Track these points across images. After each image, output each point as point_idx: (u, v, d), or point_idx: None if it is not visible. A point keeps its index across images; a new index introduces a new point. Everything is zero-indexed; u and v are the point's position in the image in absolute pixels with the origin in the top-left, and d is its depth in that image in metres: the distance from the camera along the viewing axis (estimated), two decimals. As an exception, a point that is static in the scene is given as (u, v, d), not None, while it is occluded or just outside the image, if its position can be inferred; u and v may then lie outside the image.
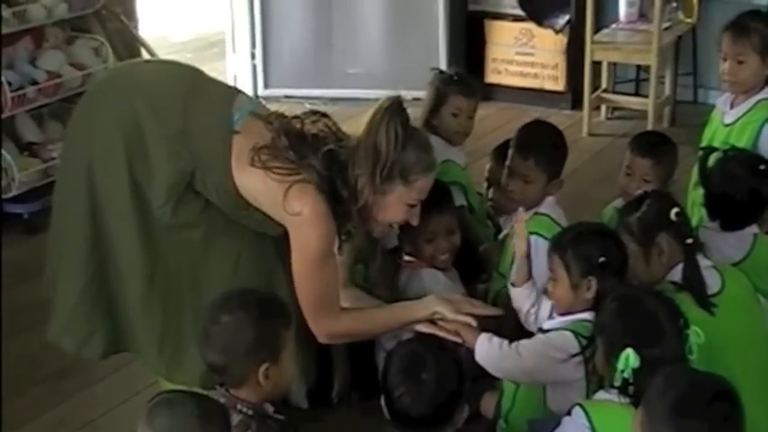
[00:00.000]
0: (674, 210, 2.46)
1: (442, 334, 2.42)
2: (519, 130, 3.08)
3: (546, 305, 2.54)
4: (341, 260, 2.53)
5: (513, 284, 2.59)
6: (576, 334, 2.34)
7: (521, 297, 2.57)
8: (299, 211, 2.33)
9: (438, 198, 2.70)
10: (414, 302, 2.54)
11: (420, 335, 2.44)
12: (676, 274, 2.45)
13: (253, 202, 2.41)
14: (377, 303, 2.64)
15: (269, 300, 2.18)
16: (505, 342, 2.37)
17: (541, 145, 2.96)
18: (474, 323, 2.42)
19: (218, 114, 2.44)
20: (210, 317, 2.13)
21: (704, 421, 1.72)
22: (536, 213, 2.91)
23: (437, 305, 2.47)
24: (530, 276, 2.56)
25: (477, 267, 3.21)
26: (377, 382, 2.16)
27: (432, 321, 2.48)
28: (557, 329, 2.38)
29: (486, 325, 2.47)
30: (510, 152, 2.98)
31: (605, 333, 2.11)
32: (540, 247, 2.74)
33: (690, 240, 2.45)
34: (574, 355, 2.31)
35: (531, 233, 2.78)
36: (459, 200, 3.27)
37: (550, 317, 2.49)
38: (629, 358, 2.01)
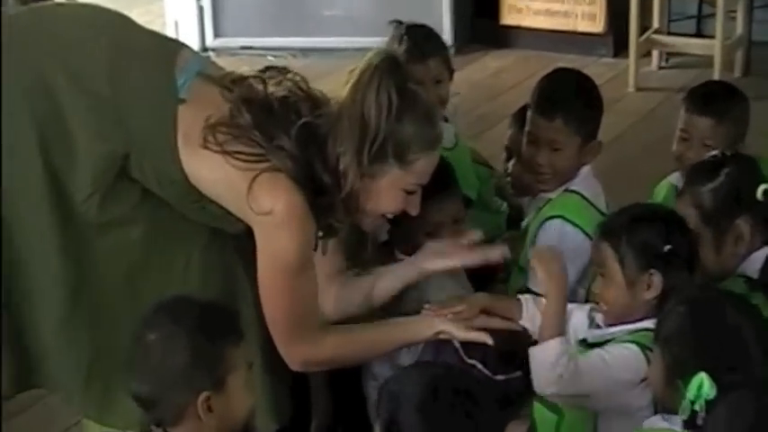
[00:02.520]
0: (764, 186, 2.49)
1: (465, 335, 2.48)
2: (539, 83, 3.10)
3: (579, 313, 2.57)
4: (332, 251, 2.58)
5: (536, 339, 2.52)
6: (643, 347, 2.37)
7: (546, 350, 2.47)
8: (268, 210, 2.35)
9: (439, 179, 2.70)
10: (413, 319, 2.57)
11: (436, 345, 2.49)
12: (750, 265, 2.50)
13: (208, 194, 2.42)
14: (361, 322, 2.67)
15: (210, 308, 2.18)
16: (571, 366, 2.39)
17: (569, 99, 2.98)
18: (490, 341, 2.46)
19: (157, 77, 2.45)
20: (136, 335, 2.14)
21: None
22: (565, 190, 2.95)
23: (442, 323, 2.51)
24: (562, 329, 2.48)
25: (490, 265, 3.15)
26: (365, 416, 2.18)
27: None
28: (617, 341, 2.40)
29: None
30: (529, 113, 3.01)
31: (670, 347, 2.12)
32: (568, 235, 2.81)
33: None
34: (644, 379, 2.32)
35: (553, 217, 2.83)
36: None
37: (592, 327, 2.52)
38: (702, 386, 2.01)
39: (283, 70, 2.49)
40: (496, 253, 2.63)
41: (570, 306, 2.58)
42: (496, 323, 2.53)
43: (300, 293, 2.42)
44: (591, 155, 2.98)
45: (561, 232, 2.84)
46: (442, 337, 2.50)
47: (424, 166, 2.46)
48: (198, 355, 2.09)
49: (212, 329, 2.12)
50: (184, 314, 2.13)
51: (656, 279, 2.36)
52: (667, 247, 2.37)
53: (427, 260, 2.61)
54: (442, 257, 2.61)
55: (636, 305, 2.39)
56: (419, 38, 3.48)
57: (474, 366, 2.61)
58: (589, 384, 2.36)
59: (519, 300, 2.57)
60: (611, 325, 2.44)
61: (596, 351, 2.40)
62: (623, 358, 2.36)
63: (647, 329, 2.35)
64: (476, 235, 2.63)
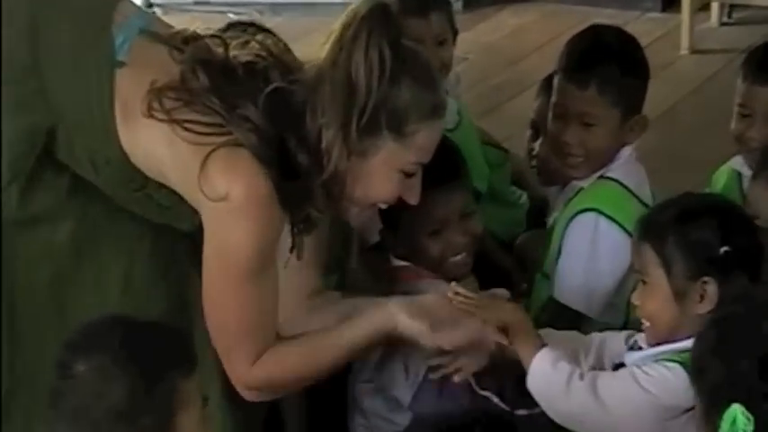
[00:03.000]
0: None
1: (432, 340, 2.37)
2: (568, 42, 3.02)
3: (615, 341, 2.51)
4: (304, 262, 2.45)
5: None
6: (688, 369, 2.27)
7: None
8: (223, 193, 2.25)
9: (444, 165, 2.59)
10: (367, 310, 2.44)
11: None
12: None
13: (152, 176, 2.36)
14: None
15: (154, 330, 2.08)
16: (578, 373, 2.33)
17: (606, 62, 2.87)
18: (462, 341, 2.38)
19: (89, 35, 2.37)
20: (59, 363, 2.03)
21: None
22: (600, 177, 2.87)
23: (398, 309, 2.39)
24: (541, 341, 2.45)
25: (503, 272, 3.16)
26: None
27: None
28: (657, 360, 2.33)
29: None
30: (556, 80, 2.93)
31: (705, 376, 2.01)
32: (603, 232, 2.74)
33: None
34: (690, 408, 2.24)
35: (586, 210, 2.76)
36: None
37: (632, 348, 2.45)
38: (736, 420, 1.90)
39: (257, 28, 2.42)
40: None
41: (601, 335, 2.53)
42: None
43: (253, 303, 2.34)
44: (633, 133, 2.88)
45: (595, 229, 2.74)
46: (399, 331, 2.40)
47: (425, 139, 2.39)
48: (139, 390, 1.97)
49: (157, 358, 2.01)
50: (122, 338, 2.01)
51: (711, 289, 2.28)
52: (724, 249, 2.29)
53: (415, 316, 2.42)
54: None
55: (686, 321, 2.30)
56: None
57: (489, 399, 2.51)
58: (616, 409, 2.29)
59: (540, 337, 2.45)
60: (654, 345, 2.36)
61: (627, 369, 2.36)
62: (662, 379, 2.28)
63: None
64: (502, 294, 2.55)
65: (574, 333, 2.57)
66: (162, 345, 2.03)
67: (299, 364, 2.42)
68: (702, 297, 2.30)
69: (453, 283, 2.47)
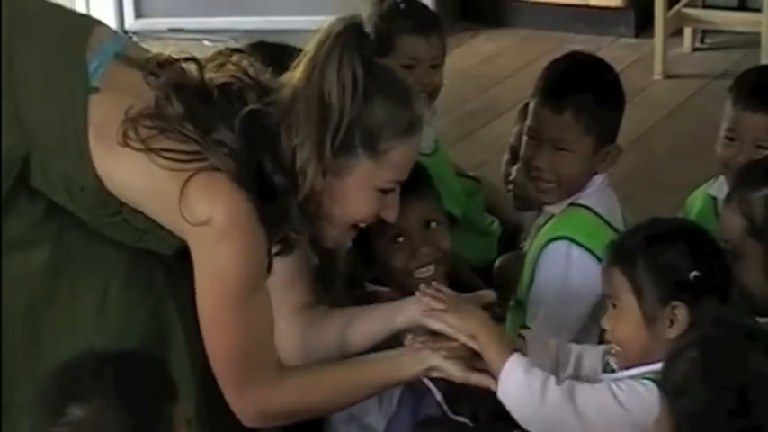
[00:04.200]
0: None
1: (465, 376, 2.36)
2: (547, 67, 3.02)
3: (592, 355, 2.49)
4: (290, 281, 2.47)
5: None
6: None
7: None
8: (205, 218, 2.26)
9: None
10: (396, 353, 2.45)
11: (415, 399, 2.45)
12: None
13: (130, 203, 2.35)
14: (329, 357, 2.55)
15: (138, 362, 2.05)
16: (553, 379, 2.32)
17: (583, 89, 2.88)
18: (495, 387, 2.34)
19: (64, 61, 2.37)
20: (51, 409, 1.97)
21: None
22: (570, 204, 2.87)
23: (434, 358, 2.40)
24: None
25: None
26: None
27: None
28: (633, 377, 2.33)
29: None
30: (533, 104, 2.93)
31: (679, 399, 2.00)
32: (576, 261, 2.74)
33: None
34: None
35: (558, 238, 2.76)
36: None
37: (605, 371, 2.44)
38: None
39: (232, 50, 2.43)
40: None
41: (579, 347, 2.52)
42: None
43: (251, 323, 2.33)
44: (606, 163, 2.88)
45: (567, 257, 2.74)
46: (434, 374, 2.40)
47: (400, 156, 2.40)
48: (138, 428, 1.96)
49: (150, 392, 2.00)
50: (113, 378, 1.97)
51: (681, 313, 2.28)
52: (694, 274, 2.29)
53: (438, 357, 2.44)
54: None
55: (656, 345, 2.29)
56: (420, 9, 3.45)
57: (463, 425, 2.50)
58: (592, 419, 2.27)
59: (521, 337, 2.49)
60: (626, 368, 2.36)
61: (606, 383, 2.33)
62: (637, 396, 2.27)
63: None
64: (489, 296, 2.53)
65: (554, 342, 2.54)
66: (151, 378, 2.01)
67: (320, 395, 2.41)
68: (672, 321, 2.29)
69: (409, 336, 2.44)
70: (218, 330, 2.32)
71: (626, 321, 2.33)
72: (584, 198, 2.85)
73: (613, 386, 2.31)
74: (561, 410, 2.29)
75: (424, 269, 2.71)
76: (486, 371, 2.36)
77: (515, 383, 2.32)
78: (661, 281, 2.30)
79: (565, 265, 2.73)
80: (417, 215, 2.69)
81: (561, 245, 2.76)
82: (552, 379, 2.31)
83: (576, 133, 2.82)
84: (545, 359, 2.45)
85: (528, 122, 2.92)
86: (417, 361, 2.39)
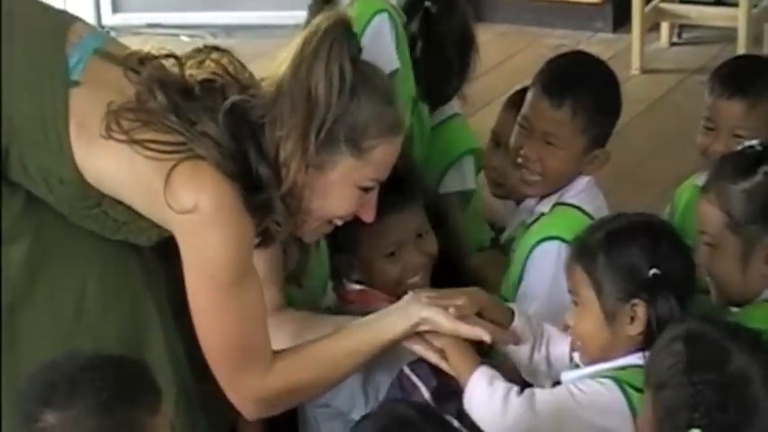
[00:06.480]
0: None
1: (454, 327, 2.38)
2: (549, 61, 3.03)
3: (561, 341, 2.51)
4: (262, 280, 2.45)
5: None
6: (622, 385, 2.31)
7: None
8: (191, 206, 2.26)
9: (399, 189, 2.61)
10: (384, 312, 2.46)
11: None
12: None
13: (112, 194, 2.35)
14: (319, 326, 2.54)
15: (121, 365, 2.02)
16: (515, 390, 2.34)
17: (586, 89, 2.88)
18: (487, 338, 2.39)
19: (43, 54, 2.37)
20: (26, 415, 1.95)
21: None
22: (559, 204, 2.88)
23: (424, 309, 2.41)
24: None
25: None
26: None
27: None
28: (592, 378, 2.34)
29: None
30: (530, 94, 2.92)
31: (662, 393, 2.02)
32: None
33: None
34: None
35: (549, 238, 2.77)
36: (470, 179, 3.31)
37: (572, 364, 2.47)
38: None
39: (212, 48, 2.43)
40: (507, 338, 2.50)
41: (549, 329, 2.53)
42: (487, 326, 2.41)
43: (244, 309, 2.33)
44: (593, 166, 2.90)
45: (558, 257, 2.69)
46: (422, 328, 2.40)
47: (383, 155, 2.41)
48: None
49: (127, 398, 1.96)
50: (91, 381, 1.94)
51: (641, 310, 2.29)
52: (653, 271, 2.29)
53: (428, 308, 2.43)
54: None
55: (617, 342, 2.32)
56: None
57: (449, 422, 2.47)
58: (551, 426, 2.29)
59: (510, 308, 2.51)
60: (589, 363, 2.38)
61: (565, 386, 2.36)
62: (596, 396, 2.30)
63: (634, 365, 2.29)
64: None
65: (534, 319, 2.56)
66: (130, 385, 1.97)
67: (316, 370, 2.40)
68: (633, 318, 2.30)
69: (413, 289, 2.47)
70: (211, 318, 2.32)
71: (587, 318, 2.34)
72: (573, 197, 2.85)
73: (573, 389, 2.32)
74: (523, 419, 2.29)
75: (415, 278, 2.72)
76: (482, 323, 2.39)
77: (479, 395, 2.33)
78: (620, 278, 2.31)
79: (556, 265, 2.70)
80: (412, 229, 2.71)
81: (552, 245, 2.76)
82: (515, 390, 2.31)
83: (569, 130, 2.82)
84: (528, 331, 2.47)
85: (524, 110, 2.90)
86: (405, 317, 2.40)
